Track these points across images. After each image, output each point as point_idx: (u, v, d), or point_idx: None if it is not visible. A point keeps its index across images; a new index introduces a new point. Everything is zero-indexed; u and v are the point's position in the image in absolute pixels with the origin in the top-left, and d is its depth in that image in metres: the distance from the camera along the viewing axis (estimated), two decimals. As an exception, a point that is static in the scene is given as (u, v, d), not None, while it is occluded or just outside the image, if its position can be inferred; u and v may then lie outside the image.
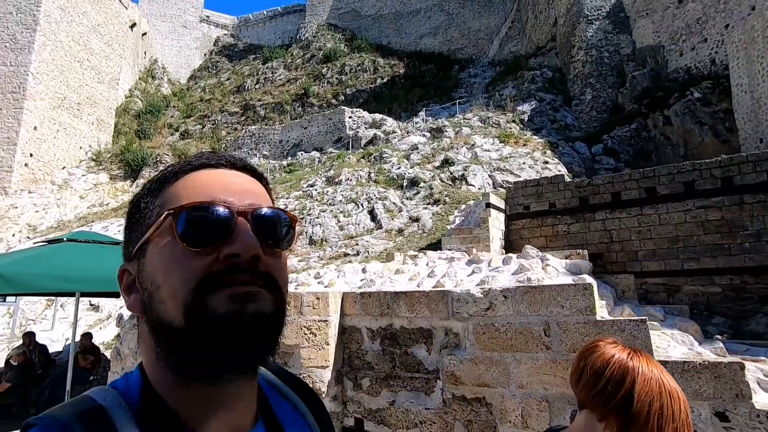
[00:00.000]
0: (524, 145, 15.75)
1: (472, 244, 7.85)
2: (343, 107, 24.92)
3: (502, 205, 8.91)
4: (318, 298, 2.69)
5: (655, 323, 2.26)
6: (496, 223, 8.23)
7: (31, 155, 24.80)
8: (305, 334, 2.69)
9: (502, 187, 12.85)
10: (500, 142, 15.96)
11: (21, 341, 5.48)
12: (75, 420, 0.43)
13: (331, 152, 22.39)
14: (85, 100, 28.99)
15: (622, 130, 16.89)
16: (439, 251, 7.61)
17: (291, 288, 4.11)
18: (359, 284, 3.43)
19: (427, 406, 2.31)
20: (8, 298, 8.51)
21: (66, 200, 24.27)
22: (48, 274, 4.37)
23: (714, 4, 15.99)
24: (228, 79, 46.17)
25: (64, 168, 26.85)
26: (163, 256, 0.48)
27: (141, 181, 27.13)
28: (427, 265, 3.51)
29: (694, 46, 16.51)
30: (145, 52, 46.58)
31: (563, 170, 13.98)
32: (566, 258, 3.66)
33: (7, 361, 5.08)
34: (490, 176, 13.36)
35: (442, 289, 2.44)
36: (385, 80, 34.96)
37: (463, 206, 10.29)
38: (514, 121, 19.44)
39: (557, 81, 21.55)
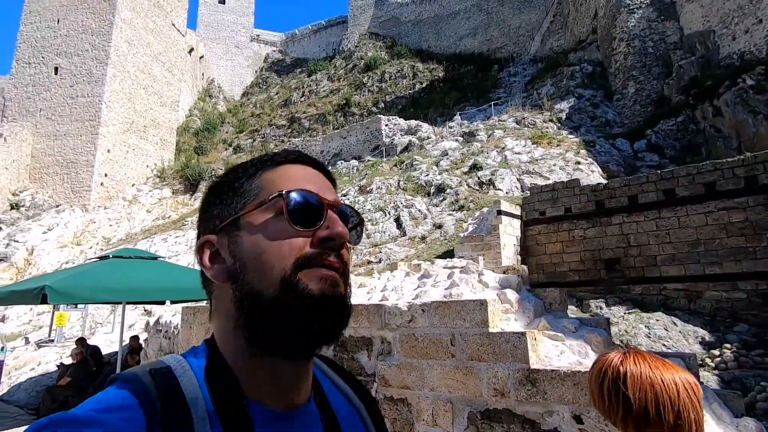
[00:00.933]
0: (558, 145, 15.38)
1: (483, 251, 8.01)
2: (379, 116, 25.51)
3: (517, 211, 8.94)
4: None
5: (559, 334, 2.41)
6: (509, 229, 8.30)
7: (105, 175, 27.75)
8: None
9: (529, 190, 12.71)
10: (532, 144, 15.69)
11: (75, 345, 6.52)
12: (147, 375, 0.49)
13: (368, 160, 23.02)
14: (150, 123, 31.93)
15: (668, 123, 15.95)
16: (447, 260, 7.87)
17: None
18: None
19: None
20: (79, 305, 9.86)
21: (135, 214, 26.91)
22: (93, 287, 5.21)
23: (769, -19, 14.70)
24: (276, 93, 48.48)
25: (133, 185, 29.74)
26: (266, 231, 0.53)
27: (199, 195, 29.43)
28: (388, 279, 3.83)
29: (748, 28, 15.24)
30: (202, 74, 50.25)
31: (597, 170, 13.53)
32: (503, 272, 3.82)
33: (62, 364, 6.06)
34: (518, 179, 13.25)
35: (379, 303, 2.78)
36: (424, 85, 35.20)
37: (477, 213, 10.39)
38: (551, 120, 18.97)
39: (598, 76, 20.68)
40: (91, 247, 22.89)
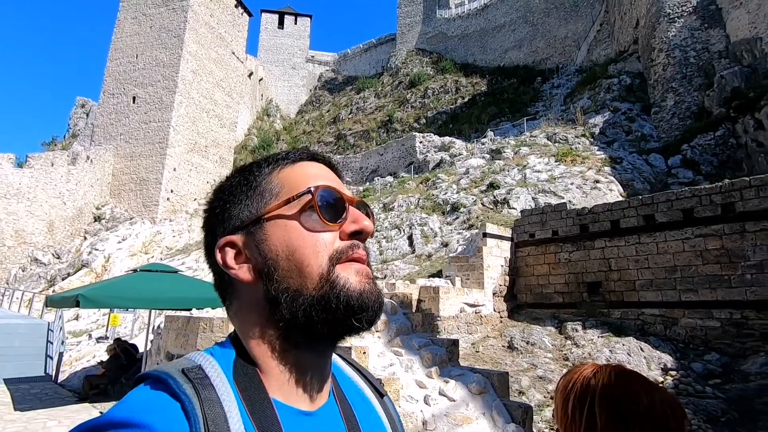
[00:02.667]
0: (582, 162, 15.19)
1: (468, 271, 8.50)
2: (414, 133, 26.28)
3: (508, 233, 9.29)
4: (223, 321, 4.04)
5: (400, 350, 2.92)
6: (495, 251, 8.69)
7: (171, 191, 30.99)
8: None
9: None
10: (555, 161, 15.62)
11: (112, 342, 7.91)
12: (179, 373, 0.48)
13: (402, 176, 23.83)
14: (211, 143, 35.16)
15: (705, 138, 15.14)
16: (427, 279, 8.45)
17: (212, 313, 5.52)
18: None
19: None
20: (130, 309, 11.58)
21: (194, 227, 29.75)
22: (117, 296, 6.50)
23: (819, -16, 13.64)
24: (328, 111, 50.80)
25: (195, 200, 32.84)
26: (297, 228, 0.53)
27: (250, 208, 31.87)
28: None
29: (797, 35, 14.17)
30: (261, 95, 54.08)
31: (616, 189, 13.25)
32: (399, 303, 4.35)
33: (101, 361, 7.47)
34: (533, 199, 13.34)
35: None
36: (465, 100, 35.48)
37: (467, 234, 10.76)
38: (584, 135, 18.65)
39: (636, 88, 19.96)
40: (155, 256, 25.74)
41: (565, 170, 14.68)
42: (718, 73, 16.40)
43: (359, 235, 0.55)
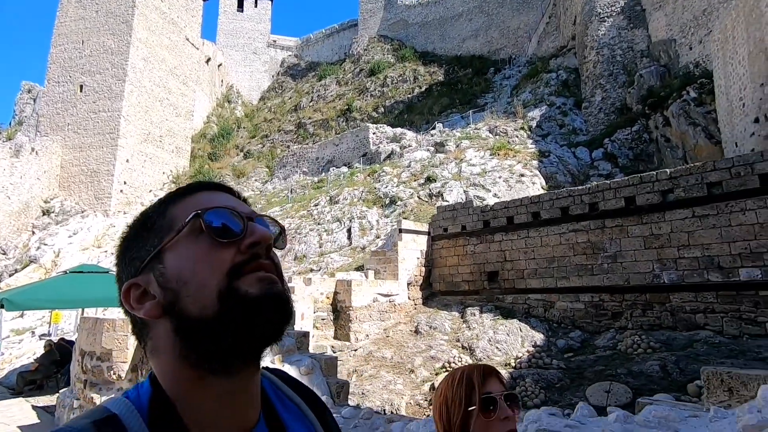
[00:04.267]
0: (513, 156, 16.27)
1: (385, 264, 9.34)
2: (368, 124, 26.85)
3: (425, 228, 10.18)
4: (123, 321, 4.66)
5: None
6: (411, 245, 9.56)
7: (125, 183, 30.43)
8: (118, 343, 4.67)
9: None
10: (490, 155, 16.65)
11: (49, 340, 8.37)
12: (92, 428, 0.46)
13: (356, 167, 24.43)
14: (166, 133, 34.50)
15: (624, 133, 16.53)
16: (345, 272, 9.25)
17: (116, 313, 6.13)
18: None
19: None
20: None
21: (150, 219, 29.46)
22: (44, 298, 6.95)
23: (717, -7, 14.99)
24: (290, 98, 50.15)
25: (150, 191, 32.35)
26: (191, 253, 0.53)
27: (208, 199, 31.73)
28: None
29: (702, 39, 15.57)
30: (222, 80, 52.81)
31: (539, 182, 14.40)
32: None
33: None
34: (465, 192, 14.32)
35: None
36: (423, 89, 36.15)
37: (389, 229, 11.63)
38: (522, 128, 19.77)
39: (572, 83, 21.22)
40: (109, 250, 25.50)
41: (497, 164, 15.72)
42: (638, 71, 17.76)
43: (259, 246, 0.55)
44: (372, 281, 8.62)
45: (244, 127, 46.53)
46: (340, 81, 45.10)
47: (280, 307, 0.54)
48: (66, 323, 12.38)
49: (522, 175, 14.57)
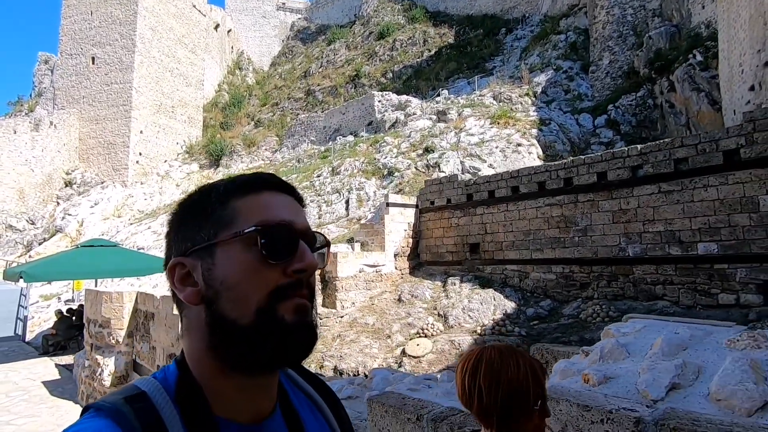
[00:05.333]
0: (513, 125, 16.17)
1: (373, 236, 9.84)
2: (373, 92, 26.65)
3: (412, 201, 10.55)
4: (119, 294, 5.31)
5: None
6: (397, 217, 9.98)
7: (140, 154, 31.37)
8: (115, 313, 5.35)
9: (468, 173, 13.95)
10: (490, 124, 16.57)
11: (59, 309, 9.28)
12: (123, 403, 0.50)
13: (362, 136, 24.55)
14: (177, 103, 35.00)
15: (628, 98, 16.14)
16: (337, 245, 9.77)
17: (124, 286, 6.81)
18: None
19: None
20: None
21: (166, 189, 30.54)
22: (58, 270, 7.73)
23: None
24: (300, 64, 49.42)
25: (165, 161, 33.31)
26: (241, 263, 0.55)
27: (221, 170, 32.52)
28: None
29: (715, -4, 14.76)
30: (232, 47, 52.43)
31: (536, 152, 14.39)
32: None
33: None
34: (461, 163, 14.46)
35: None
36: (432, 53, 35.26)
37: (378, 203, 11.99)
38: (527, 94, 19.46)
39: (580, 45, 20.51)
40: (128, 219, 26.76)
41: (496, 133, 15.68)
42: (648, 32, 17.05)
43: (304, 273, 0.57)
44: (358, 253, 9.14)
45: (255, 95, 46.37)
46: (350, 45, 44.18)
47: (310, 335, 0.57)
48: (101, 287, 13.47)
49: (519, 145, 14.57)
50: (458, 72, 27.76)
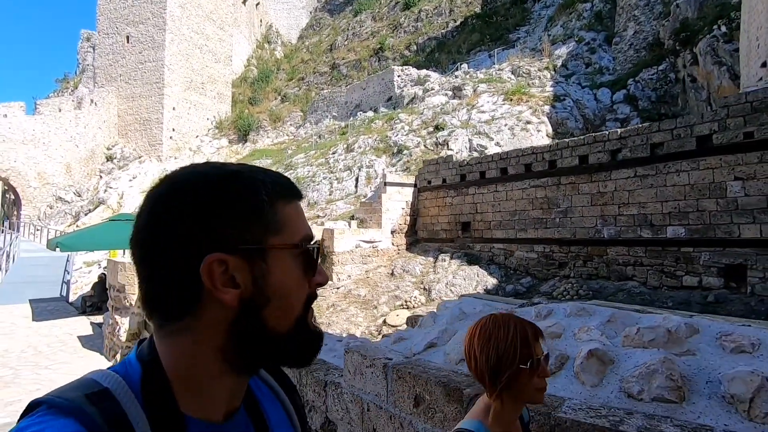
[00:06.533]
0: (526, 101, 15.99)
1: (372, 214, 10.43)
2: (393, 67, 26.55)
3: (411, 180, 10.99)
4: (130, 264, 6.19)
5: None
6: (395, 196, 10.48)
7: (173, 130, 32.92)
8: (129, 279, 6.24)
9: (476, 150, 14.11)
10: (503, 101, 16.45)
11: (103, 272, 10.52)
12: (85, 401, 0.46)
13: (381, 112, 24.75)
14: (207, 79, 36.12)
15: (649, 72, 15.55)
16: (337, 221, 10.44)
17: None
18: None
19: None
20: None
21: (197, 163, 32.06)
22: (89, 241, 8.81)
23: None
24: (327, 36, 49.24)
25: (197, 137, 34.82)
26: (293, 274, 0.56)
27: (248, 145, 33.68)
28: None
29: (749, -40, 13.73)
30: (260, 20, 52.80)
31: (545, 130, 14.30)
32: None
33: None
34: (469, 140, 14.60)
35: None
36: (457, 23, 34.38)
37: (376, 182, 12.41)
38: (547, 68, 19.04)
39: (605, 15, 19.61)
40: (162, 193, 28.48)
41: (507, 110, 15.60)
42: (676, 0, 16.11)
43: (321, 286, 0.60)
44: (355, 230, 9.77)
45: (282, 69, 46.76)
46: (376, 16, 43.58)
47: (320, 346, 0.61)
48: (121, 258, 14.91)
49: (528, 123, 14.49)
50: (480, 44, 27.10)
